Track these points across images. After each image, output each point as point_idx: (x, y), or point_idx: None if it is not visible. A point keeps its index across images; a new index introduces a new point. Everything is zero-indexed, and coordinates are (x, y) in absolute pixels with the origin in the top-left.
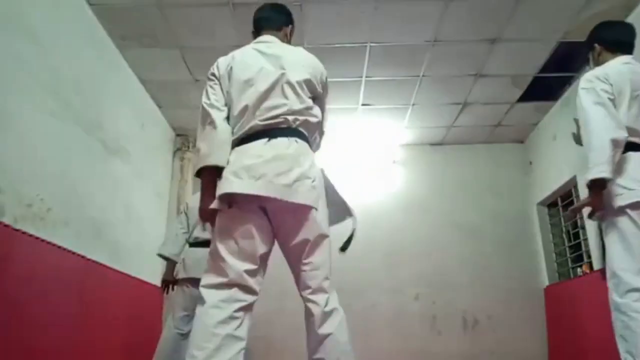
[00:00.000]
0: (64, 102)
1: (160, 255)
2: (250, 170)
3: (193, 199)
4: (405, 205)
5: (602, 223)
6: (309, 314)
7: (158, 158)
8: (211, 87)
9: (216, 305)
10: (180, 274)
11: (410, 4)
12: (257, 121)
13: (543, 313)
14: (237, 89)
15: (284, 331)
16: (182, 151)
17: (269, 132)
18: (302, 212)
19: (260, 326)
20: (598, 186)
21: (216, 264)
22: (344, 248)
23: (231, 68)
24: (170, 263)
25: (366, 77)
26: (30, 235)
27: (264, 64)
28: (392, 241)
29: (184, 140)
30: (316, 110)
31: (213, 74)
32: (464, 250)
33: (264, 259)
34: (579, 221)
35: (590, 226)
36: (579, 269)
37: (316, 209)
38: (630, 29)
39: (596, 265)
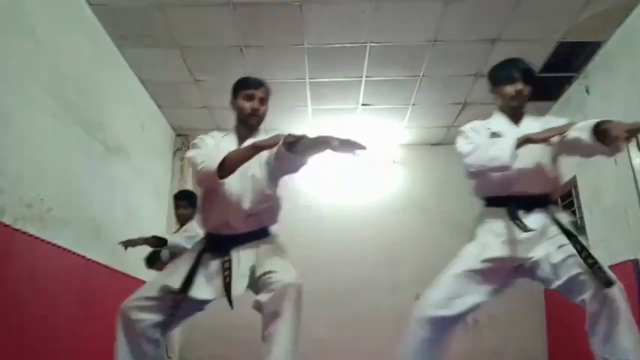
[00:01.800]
0: (64, 102)
1: None
2: None
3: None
4: (405, 205)
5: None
6: None
7: (158, 158)
8: None
9: None
10: None
11: (410, 4)
12: None
13: (543, 313)
14: None
15: None
16: (182, 151)
17: None
18: None
19: (260, 327)
20: None
21: None
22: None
23: None
24: None
25: (366, 77)
26: (30, 235)
27: None
28: (392, 241)
29: (184, 140)
30: None
31: None
32: None
33: None
34: (578, 221)
35: (591, 226)
36: None
37: None
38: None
39: None
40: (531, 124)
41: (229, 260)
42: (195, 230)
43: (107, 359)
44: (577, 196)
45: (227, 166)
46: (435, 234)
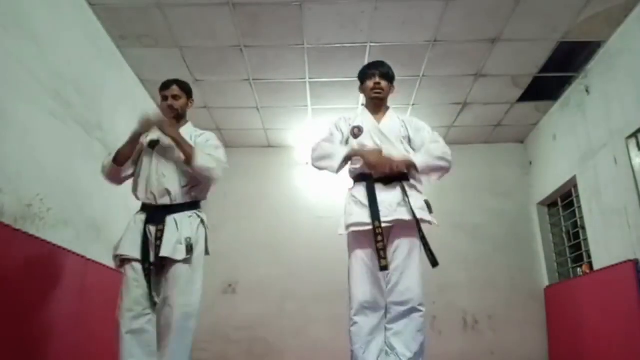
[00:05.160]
0: (64, 102)
1: None
2: None
3: None
4: None
5: None
6: None
7: None
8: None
9: None
10: None
11: (410, 3)
12: None
13: (543, 313)
14: None
15: (284, 332)
16: None
17: None
18: None
19: (260, 328)
20: None
21: None
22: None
23: None
24: None
25: None
26: (30, 235)
27: None
28: None
29: None
30: None
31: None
32: (464, 250)
33: None
34: (578, 221)
35: (591, 226)
36: (579, 269)
37: None
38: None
39: (596, 265)
40: (391, 120)
41: (162, 230)
42: None
43: (106, 358)
44: (577, 196)
45: (120, 159)
46: (435, 234)
